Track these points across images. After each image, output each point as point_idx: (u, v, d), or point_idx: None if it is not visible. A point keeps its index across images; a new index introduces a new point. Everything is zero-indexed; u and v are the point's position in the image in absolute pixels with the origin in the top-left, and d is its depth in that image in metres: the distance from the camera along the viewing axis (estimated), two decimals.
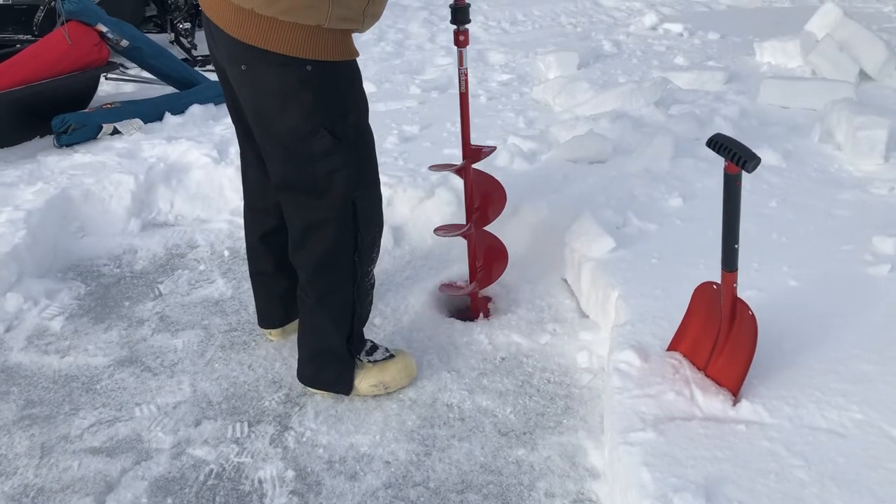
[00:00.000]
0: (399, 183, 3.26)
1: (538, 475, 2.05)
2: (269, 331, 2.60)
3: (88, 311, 2.84)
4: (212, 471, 2.10)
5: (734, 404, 1.92)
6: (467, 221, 2.61)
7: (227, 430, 2.24)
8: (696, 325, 2.09)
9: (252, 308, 2.67)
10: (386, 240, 2.91)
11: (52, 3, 4.57)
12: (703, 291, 2.07)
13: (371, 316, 2.47)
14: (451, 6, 2.35)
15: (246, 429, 2.24)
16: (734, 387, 1.95)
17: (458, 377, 2.41)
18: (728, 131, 3.42)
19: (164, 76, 4.48)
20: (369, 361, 2.32)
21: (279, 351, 2.56)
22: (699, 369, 2.05)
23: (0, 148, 3.85)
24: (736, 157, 1.76)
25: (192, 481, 2.07)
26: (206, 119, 4.11)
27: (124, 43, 4.28)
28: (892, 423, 1.83)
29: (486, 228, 2.65)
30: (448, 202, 3.16)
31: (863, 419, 1.85)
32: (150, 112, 4.08)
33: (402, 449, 2.15)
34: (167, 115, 4.08)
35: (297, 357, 2.35)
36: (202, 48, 5.53)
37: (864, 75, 4.39)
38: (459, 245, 2.86)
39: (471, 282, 2.68)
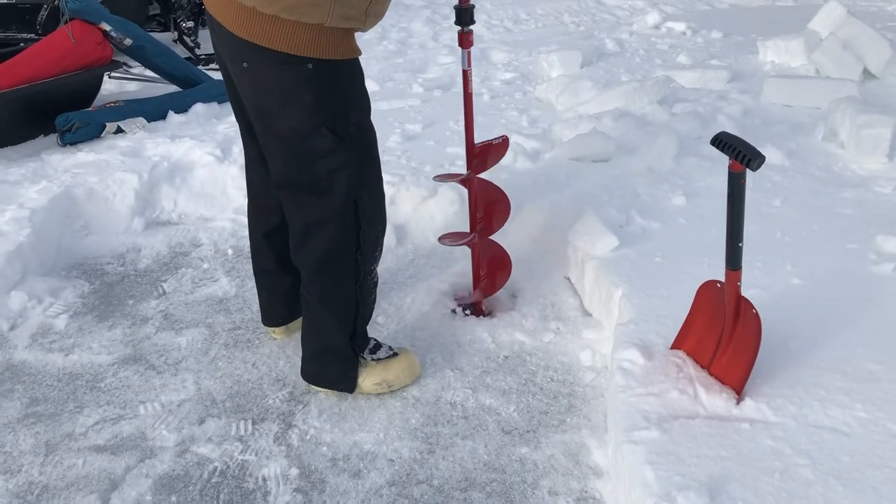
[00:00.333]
0: (402, 182, 3.26)
1: (542, 473, 2.05)
2: (272, 329, 2.60)
3: (92, 310, 2.84)
4: (216, 468, 2.10)
5: (738, 403, 1.92)
6: (471, 230, 2.61)
7: (231, 428, 2.24)
8: (699, 323, 2.09)
9: (256, 306, 2.67)
10: (389, 238, 2.92)
11: (56, 2, 4.58)
12: (707, 290, 2.07)
13: (374, 314, 2.47)
14: (455, 7, 2.35)
15: (250, 427, 2.24)
16: (738, 385, 1.95)
17: (462, 375, 2.41)
18: (731, 130, 3.42)
19: (167, 75, 4.49)
20: (373, 360, 2.32)
21: (283, 349, 2.57)
22: (703, 368, 2.05)
23: (4, 146, 3.85)
24: (741, 155, 1.76)
25: (197, 479, 2.07)
26: (210, 118, 4.11)
27: (128, 41, 4.28)
28: None
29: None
30: (451, 201, 3.16)
31: (867, 418, 1.85)
32: (153, 111, 4.08)
33: (406, 447, 2.15)
34: (171, 113, 4.09)
35: (300, 355, 2.35)
36: (205, 47, 5.54)
37: (867, 74, 4.38)
38: None
39: (474, 290, 2.69)
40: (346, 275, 2.20)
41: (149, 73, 4.63)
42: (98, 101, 4.25)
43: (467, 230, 2.66)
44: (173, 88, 4.47)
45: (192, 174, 3.53)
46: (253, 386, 2.42)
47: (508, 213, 2.62)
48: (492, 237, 2.64)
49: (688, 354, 2.10)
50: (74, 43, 4.03)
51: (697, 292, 2.10)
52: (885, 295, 2.31)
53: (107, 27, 4.18)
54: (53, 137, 3.90)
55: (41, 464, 2.14)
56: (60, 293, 2.90)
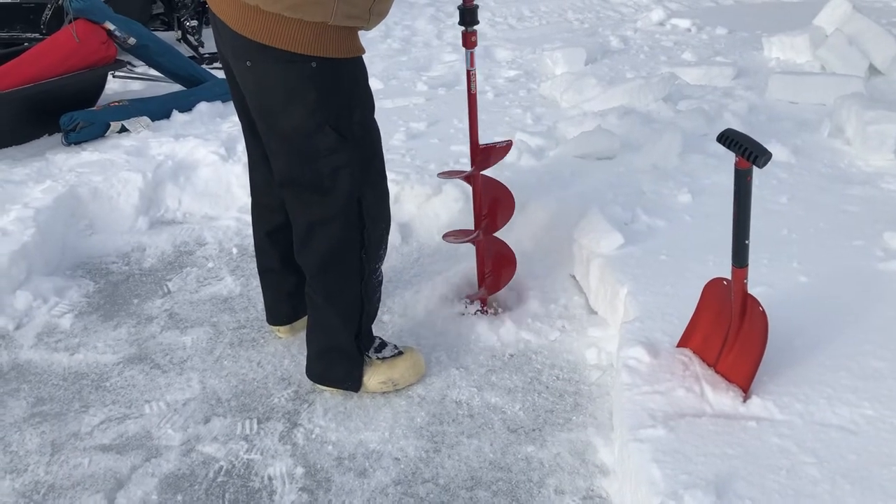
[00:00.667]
0: (406, 180, 3.26)
1: (548, 472, 2.04)
2: (277, 328, 2.60)
3: (97, 309, 2.84)
4: (221, 468, 2.10)
5: (744, 401, 1.92)
6: (476, 228, 2.61)
7: (236, 427, 2.24)
8: (705, 321, 2.08)
9: (261, 305, 2.67)
10: (393, 237, 2.92)
11: (60, 2, 4.58)
12: (713, 287, 2.06)
13: (379, 313, 2.47)
14: (459, 7, 2.34)
15: (255, 426, 2.24)
16: (744, 383, 1.94)
17: (467, 374, 2.41)
18: (736, 127, 3.40)
19: (171, 74, 4.49)
20: (378, 358, 2.32)
21: (288, 348, 2.57)
22: (709, 366, 2.04)
23: (9, 146, 3.86)
24: (747, 152, 1.75)
25: (202, 478, 2.07)
26: (214, 116, 4.11)
27: (132, 41, 4.28)
28: None
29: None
30: (455, 199, 3.16)
31: (874, 416, 1.84)
32: (157, 110, 4.08)
33: (412, 445, 2.15)
34: (175, 112, 4.09)
35: (305, 354, 2.35)
36: (209, 46, 5.54)
37: (873, 70, 4.37)
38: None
39: (479, 287, 2.68)
40: (351, 273, 2.19)
41: (153, 72, 4.63)
42: (102, 101, 4.26)
43: (472, 228, 2.65)
44: (177, 87, 4.47)
45: (196, 173, 3.53)
46: (258, 385, 2.41)
47: (513, 211, 2.62)
48: (496, 234, 2.64)
49: (694, 352, 2.09)
50: (78, 42, 4.04)
51: (703, 290, 2.09)
52: (892, 292, 2.30)
53: (111, 26, 4.19)
54: (58, 137, 3.90)
55: (47, 463, 2.14)
56: (65, 292, 2.90)
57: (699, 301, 2.10)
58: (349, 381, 2.31)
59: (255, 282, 2.71)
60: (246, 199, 3.32)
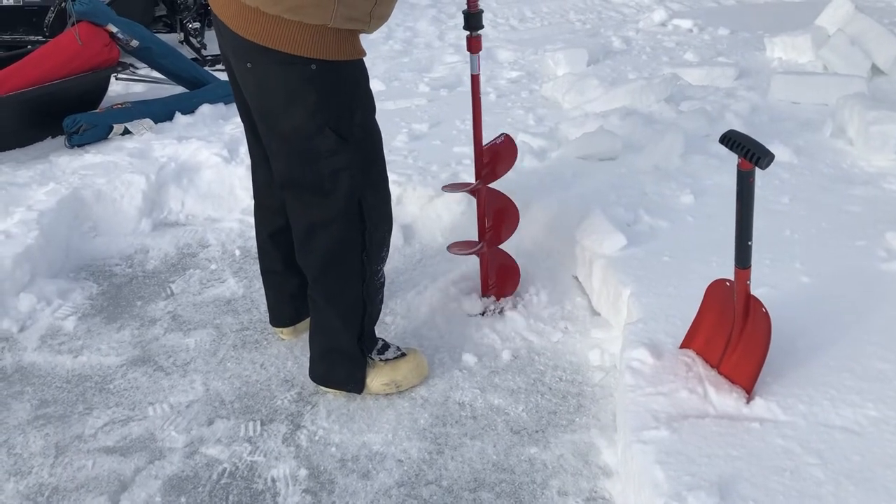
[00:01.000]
0: (408, 181, 3.26)
1: (551, 473, 2.04)
2: (280, 329, 2.60)
3: (101, 311, 2.85)
4: (225, 470, 2.11)
5: (748, 402, 1.92)
6: (480, 240, 2.61)
7: (239, 429, 2.24)
8: (708, 322, 2.08)
9: (264, 307, 2.68)
10: (396, 238, 2.91)
11: (63, 4, 4.59)
12: (716, 289, 2.06)
13: (382, 314, 2.47)
14: (464, 12, 2.34)
15: (258, 428, 2.24)
16: (748, 384, 1.94)
17: (470, 375, 2.41)
18: (739, 127, 3.41)
19: (173, 76, 4.50)
20: (381, 360, 2.32)
21: (291, 350, 2.57)
22: (712, 367, 2.04)
23: (12, 149, 3.87)
24: (749, 153, 1.75)
25: (206, 480, 2.08)
26: (217, 118, 4.12)
27: (134, 43, 4.29)
28: None
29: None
30: (458, 201, 3.16)
31: (878, 417, 1.84)
32: (160, 112, 4.09)
33: (415, 447, 2.15)
34: (177, 114, 4.09)
35: (308, 356, 2.35)
36: (212, 48, 5.54)
37: (876, 70, 4.36)
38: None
39: (483, 297, 2.69)
40: (352, 275, 2.19)
41: (155, 74, 4.64)
42: (105, 103, 4.27)
43: (475, 232, 2.65)
44: (180, 89, 4.48)
45: (199, 175, 3.54)
46: (261, 387, 2.42)
47: (517, 223, 2.62)
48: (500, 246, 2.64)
49: (697, 353, 2.09)
50: (81, 45, 4.05)
51: (706, 291, 2.09)
52: (895, 292, 2.30)
53: (113, 29, 4.20)
54: (61, 139, 3.91)
55: (51, 465, 2.14)
56: (69, 295, 2.91)
57: (702, 302, 2.10)
58: (352, 382, 2.31)
59: (258, 283, 2.71)
60: (249, 201, 3.33)
